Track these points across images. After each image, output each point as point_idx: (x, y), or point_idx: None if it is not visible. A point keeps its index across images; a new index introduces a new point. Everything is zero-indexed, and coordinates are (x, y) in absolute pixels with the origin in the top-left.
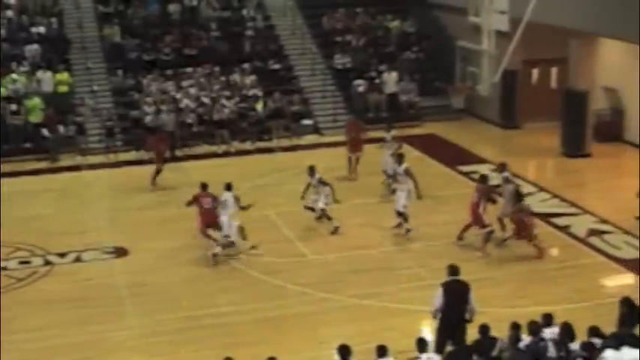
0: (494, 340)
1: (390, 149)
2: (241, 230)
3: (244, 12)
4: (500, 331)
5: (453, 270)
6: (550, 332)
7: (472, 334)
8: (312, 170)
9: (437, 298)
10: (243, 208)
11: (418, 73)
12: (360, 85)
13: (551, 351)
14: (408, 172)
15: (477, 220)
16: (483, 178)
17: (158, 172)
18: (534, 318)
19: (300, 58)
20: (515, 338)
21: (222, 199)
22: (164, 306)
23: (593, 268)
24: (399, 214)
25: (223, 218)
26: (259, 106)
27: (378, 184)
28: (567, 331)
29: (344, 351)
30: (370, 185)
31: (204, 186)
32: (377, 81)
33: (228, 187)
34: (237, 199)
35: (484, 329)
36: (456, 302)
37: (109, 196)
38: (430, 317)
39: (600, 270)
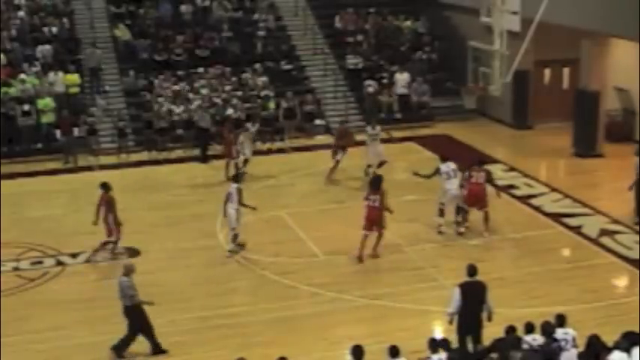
0: (518, 340)
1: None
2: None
3: (256, 16)
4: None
5: (471, 270)
6: (563, 333)
7: (488, 332)
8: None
9: (454, 300)
10: (243, 205)
11: (430, 73)
12: (370, 85)
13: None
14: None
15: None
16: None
17: (230, 163)
18: (546, 318)
19: (312, 59)
20: (517, 341)
21: (228, 192)
22: (176, 306)
23: (605, 269)
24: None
25: (231, 211)
26: (271, 107)
27: (390, 185)
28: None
29: (357, 352)
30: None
31: (104, 186)
32: (385, 81)
33: (235, 179)
34: (240, 192)
35: (510, 330)
36: (473, 302)
37: (120, 196)
38: (442, 317)
39: (612, 270)
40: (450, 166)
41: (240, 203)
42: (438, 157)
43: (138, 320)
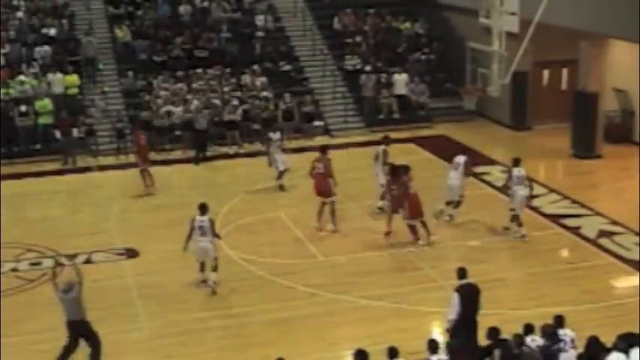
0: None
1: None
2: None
3: (257, 21)
4: (511, 333)
5: (463, 273)
6: (562, 334)
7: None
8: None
9: (454, 305)
10: (216, 236)
11: (428, 74)
12: (369, 80)
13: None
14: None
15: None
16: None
17: (144, 172)
18: (545, 319)
19: (311, 60)
20: (521, 341)
21: (198, 225)
22: (174, 307)
23: (604, 270)
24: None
25: (207, 244)
26: (270, 108)
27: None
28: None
29: (361, 356)
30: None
31: None
32: (384, 81)
33: (203, 210)
34: (213, 223)
35: (493, 332)
36: (469, 305)
37: (119, 197)
38: (441, 318)
39: (611, 271)
40: (460, 159)
41: (214, 234)
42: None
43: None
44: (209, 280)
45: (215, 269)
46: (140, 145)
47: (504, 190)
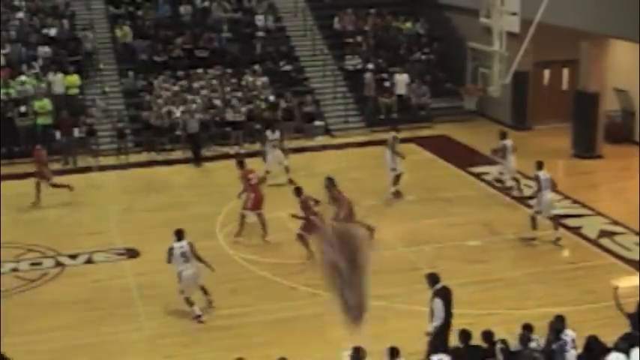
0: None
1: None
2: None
3: (258, 21)
4: (511, 333)
5: (437, 277)
6: (563, 334)
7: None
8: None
9: (439, 310)
10: (200, 261)
11: (429, 74)
12: (372, 79)
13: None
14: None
15: None
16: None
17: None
18: (545, 319)
19: (311, 60)
20: (527, 339)
21: (178, 252)
22: (175, 307)
23: (605, 270)
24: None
25: (190, 272)
26: (271, 108)
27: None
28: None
29: (357, 354)
30: (380, 187)
31: None
32: (387, 83)
33: (180, 236)
34: (193, 247)
35: (487, 335)
36: (449, 307)
37: (119, 197)
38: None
39: (611, 271)
40: (509, 143)
41: (198, 259)
42: (499, 133)
43: None
44: (197, 309)
45: (206, 292)
46: (42, 161)
47: (535, 195)
